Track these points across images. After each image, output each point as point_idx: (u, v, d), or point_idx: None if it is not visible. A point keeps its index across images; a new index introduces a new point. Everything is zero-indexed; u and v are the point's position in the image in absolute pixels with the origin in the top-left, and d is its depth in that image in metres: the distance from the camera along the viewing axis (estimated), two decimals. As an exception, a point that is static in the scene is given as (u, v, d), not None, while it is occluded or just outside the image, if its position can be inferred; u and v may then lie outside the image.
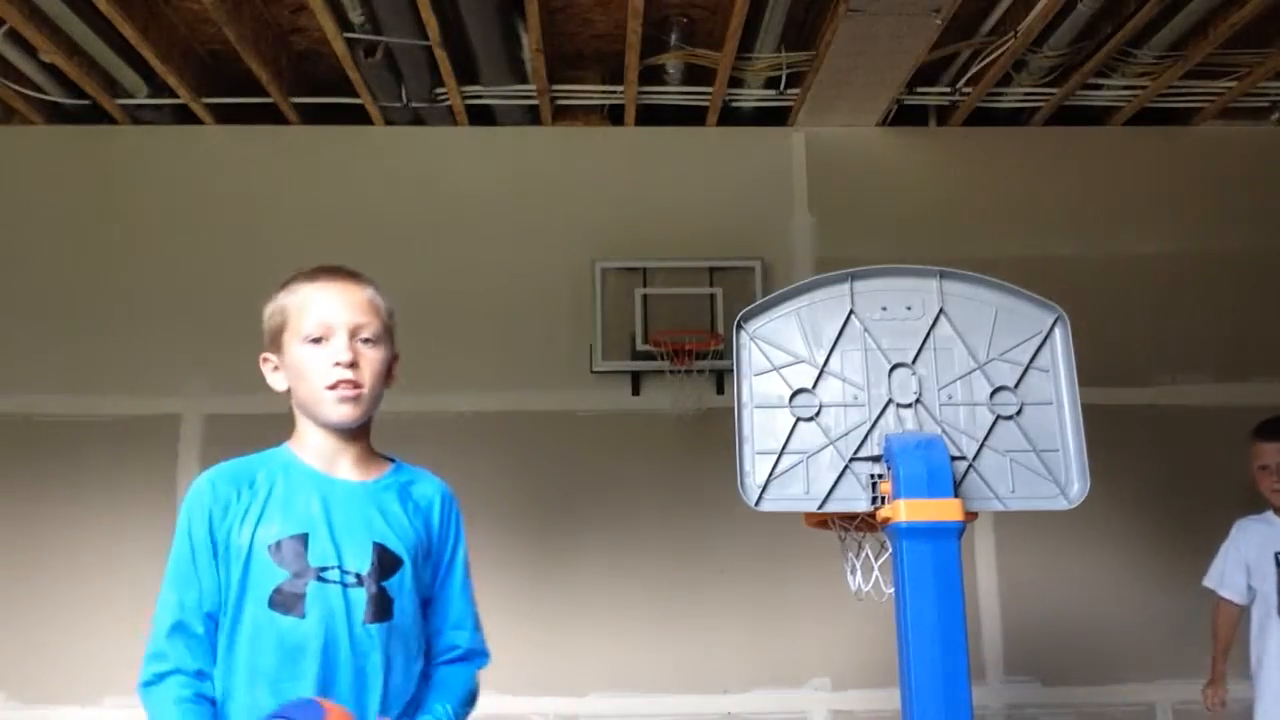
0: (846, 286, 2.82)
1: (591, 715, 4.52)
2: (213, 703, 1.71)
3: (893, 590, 2.60)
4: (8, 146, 4.91)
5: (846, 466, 2.70)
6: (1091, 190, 5.03)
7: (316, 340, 1.83)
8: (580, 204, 4.94)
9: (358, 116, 4.88)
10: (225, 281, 4.80)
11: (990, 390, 2.75)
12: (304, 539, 1.75)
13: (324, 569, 1.73)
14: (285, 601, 1.72)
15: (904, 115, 4.97)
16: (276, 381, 1.93)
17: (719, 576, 4.64)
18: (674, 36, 4.40)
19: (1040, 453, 2.71)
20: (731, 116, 4.95)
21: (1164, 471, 4.77)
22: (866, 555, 2.88)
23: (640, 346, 4.68)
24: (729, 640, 4.59)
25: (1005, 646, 4.62)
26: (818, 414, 2.74)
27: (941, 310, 2.79)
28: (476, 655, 1.95)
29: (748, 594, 4.62)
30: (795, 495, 2.70)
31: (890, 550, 2.65)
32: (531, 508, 4.60)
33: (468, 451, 4.66)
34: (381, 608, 1.75)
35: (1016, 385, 2.75)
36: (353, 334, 1.84)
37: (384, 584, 1.76)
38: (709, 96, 4.73)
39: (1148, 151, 5.08)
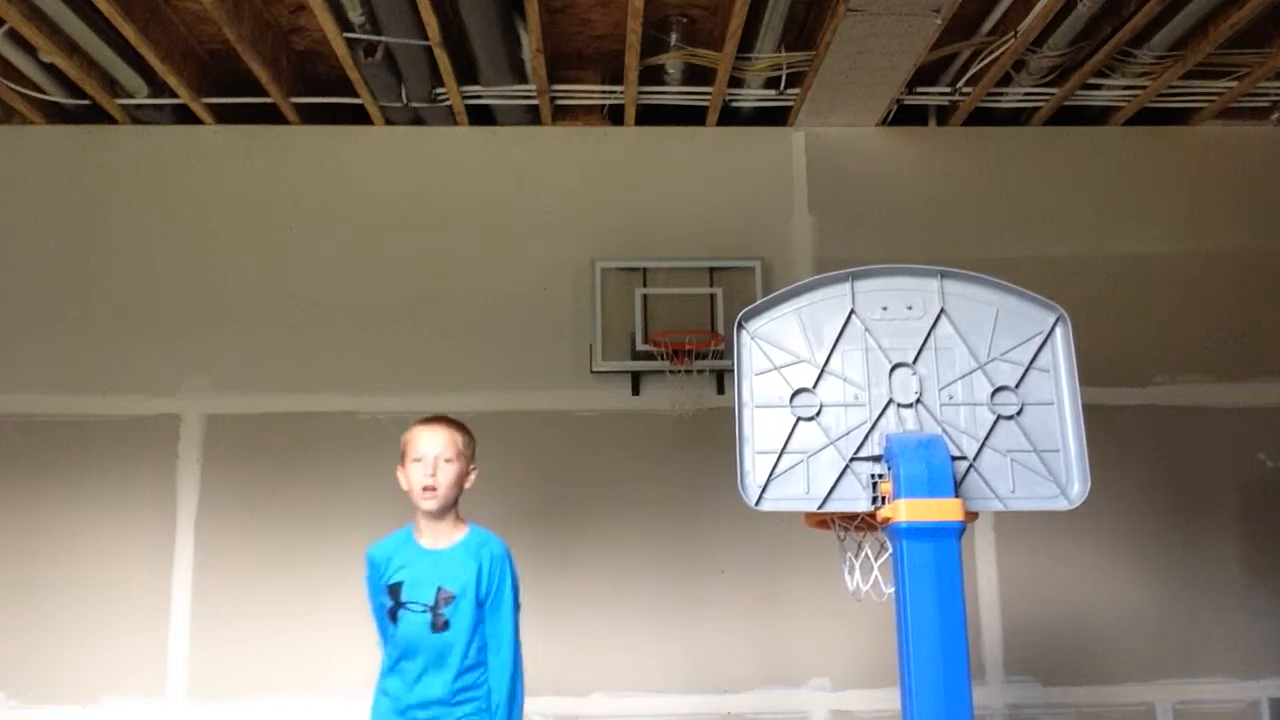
0: (847, 286, 2.81)
1: (593, 715, 4.52)
2: None
3: (892, 590, 2.59)
4: (8, 146, 4.91)
5: (847, 466, 2.70)
6: (1091, 190, 5.03)
7: (417, 461, 2.93)
8: (580, 204, 4.94)
9: (358, 116, 4.88)
10: (225, 281, 4.81)
11: (991, 390, 2.74)
12: (400, 585, 2.89)
13: (407, 602, 2.86)
14: (393, 618, 2.89)
15: (904, 115, 4.97)
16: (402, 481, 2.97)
17: (719, 576, 4.64)
18: (674, 36, 4.40)
19: (1041, 453, 2.71)
20: (731, 116, 4.95)
21: (1164, 471, 4.77)
22: (866, 555, 2.88)
23: (640, 346, 4.68)
24: (729, 640, 4.59)
25: (1005, 646, 4.62)
26: (818, 414, 2.74)
27: (942, 310, 2.79)
28: (494, 701, 2.82)
29: (748, 594, 4.62)
30: (795, 495, 2.69)
31: (889, 550, 2.64)
32: (531, 508, 4.60)
33: (468, 451, 4.66)
34: (441, 624, 2.82)
35: (1017, 385, 2.75)
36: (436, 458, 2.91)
37: (443, 610, 2.82)
38: (709, 96, 4.73)
39: (1148, 151, 5.08)
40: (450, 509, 2.93)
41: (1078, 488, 2.68)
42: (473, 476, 2.99)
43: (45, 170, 4.90)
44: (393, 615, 2.88)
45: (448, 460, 2.91)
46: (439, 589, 2.84)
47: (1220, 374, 4.87)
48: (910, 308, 2.80)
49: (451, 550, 2.91)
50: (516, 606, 2.91)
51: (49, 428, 4.66)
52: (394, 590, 2.89)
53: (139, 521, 4.57)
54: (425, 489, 2.87)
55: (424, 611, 2.83)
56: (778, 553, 4.58)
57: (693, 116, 4.94)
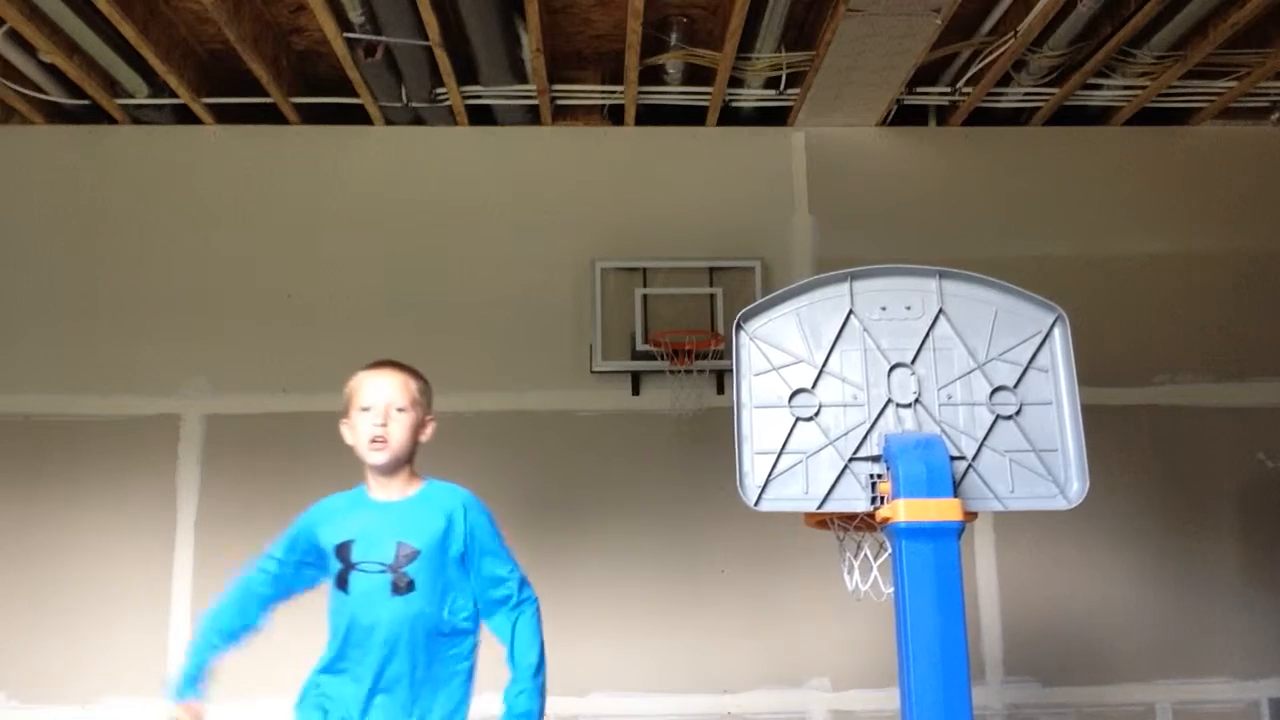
0: (846, 286, 2.81)
1: (593, 715, 4.52)
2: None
3: (892, 589, 2.59)
4: (8, 146, 4.92)
5: (846, 466, 2.69)
6: (1091, 190, 5.03)
7: (365, 410, 2.59)
8: (580, 204, 4.94)
9: (358, 116, 4.88)
10: (225, 281, 4.81)
11: (990, 390, 2.74)
12: (350, 544, 2.52)
13: (360, 563, 2.49)
14: (343, 583, 2.51)
15: (904, 115, 4.97)
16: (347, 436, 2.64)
17: (719, 576, 4.64)
18: (674, 36, 4.40)
19: (1039, 452, 2.70)
20: (731, 116, 4.95)
21: (1163, 471, 4.77)
22: (865, 555, 2.88)
23: (640, 346, 4.68)
24: (729, 640, 4.59)
25: (1005, 646, 4.61)
26: (817, 414, 2.74)
27: (941, 310, 2.79)
28: (524, 601, 2.61)
29: (748, 594, 4.62)
30: (794, 495, 2.69)
31: (889, 550, 2.64)
32: (531, 508, 4.59)
33: (468, 451, 4.65)
34: (404, 585, 2.46)
35: (1016, 385, 2.75)
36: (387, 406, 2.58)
37: (405, 569, 2.47)
38: (709, 96, 4.73)
39: (1148, 151, 5.08)
40: (404, 465, 2.58)
41: (1076, 487, 2.68)
42: (430, 429, 2.63)
43: (45, 170, 4.90)
44: (342, 581, 2.49)
45: (400, 409, 2.56)
46: (399, 544, 2.48)
47: (1220, 374, 4.87)
48: (909, 308, 2.79)
49: (409, 501, 2.57)
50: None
51: (48, 428, 4.66)
52: (342, 550, 2.50)
53: (139, 521, 4.57)
54: (374, 440, 2.50)
55: (382, 572, 2.46)
56: (778, 553, 4.57)
57: (693, 116, 4.94)
